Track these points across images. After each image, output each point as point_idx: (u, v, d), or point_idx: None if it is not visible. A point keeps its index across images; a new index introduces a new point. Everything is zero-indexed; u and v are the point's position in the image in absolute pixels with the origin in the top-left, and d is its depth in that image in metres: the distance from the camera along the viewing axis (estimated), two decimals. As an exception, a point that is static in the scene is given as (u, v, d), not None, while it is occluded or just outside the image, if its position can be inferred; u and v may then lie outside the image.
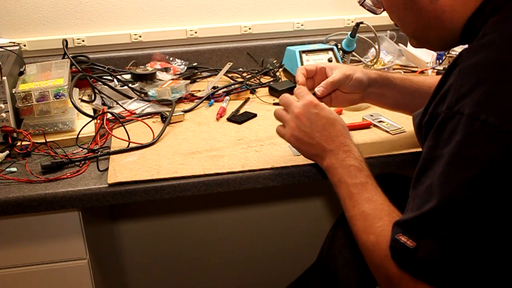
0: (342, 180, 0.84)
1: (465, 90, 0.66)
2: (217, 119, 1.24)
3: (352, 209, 0.81)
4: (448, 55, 1.50)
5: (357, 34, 1.48)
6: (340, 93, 1.03)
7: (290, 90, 1.39)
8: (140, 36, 1.55)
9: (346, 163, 0.85)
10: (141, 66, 1.45)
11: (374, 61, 1.54)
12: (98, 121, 1.14)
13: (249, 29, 1.61)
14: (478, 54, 0.68)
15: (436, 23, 0.80)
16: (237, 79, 1.48)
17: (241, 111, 1.28)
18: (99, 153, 1.05)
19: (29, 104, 1.10)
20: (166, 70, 1.47)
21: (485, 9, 0.75)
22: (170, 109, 1.24)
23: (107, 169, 1.00)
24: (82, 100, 1.29)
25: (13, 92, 1.09)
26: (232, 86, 1.41)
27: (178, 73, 1.48)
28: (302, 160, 1.00)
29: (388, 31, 1.63)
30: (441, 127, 0.68)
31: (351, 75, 1.00)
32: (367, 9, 0.98)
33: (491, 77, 0.65)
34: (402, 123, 1.16)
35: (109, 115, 1.17)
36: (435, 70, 1.50)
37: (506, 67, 0.65)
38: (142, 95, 1.32)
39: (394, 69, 1.56)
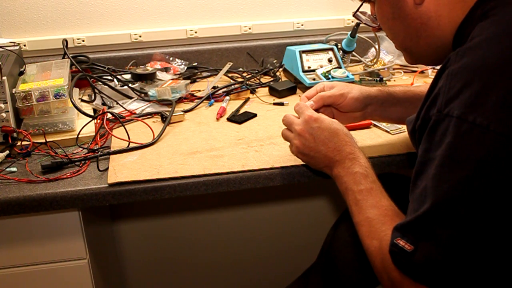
0: (348, 187, 0.85)
1: (453, 92, 0.67)
2: (217, 119, 1.24)
3: (358, 215, 0.82)
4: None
5: (357, 34, 1.48)
6: (339, 112, 1.03)
7: (290, 90, 1.40)
8: (140, 36, 1.55)
9: (352, 171, 0.85)
10: (141, 66, 1.45)
11: (374, 61, 1.54)
12: (98, 121, 1.14)
13: (249, 29, 1.61)
14: (465, 57, 0.69)
15: (423, 30, 0.82)
16: (237, 79, 1.48)
17: (241, 111, 1.28)
18: (99, 153, 1.05)
19: (29, 104, 1.10)
20: (166, 70, 1.47)
21: (474, 15, 0.76)
22: (170, 109, 1.24)
23: (107, 169, 1.00)
24: (82, 100, 1.29)
25: (13, 92, 1.09)
26: (232, 86, 1.41)
27: (178, 73, 1.48)
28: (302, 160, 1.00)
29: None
30: (432, 130, 0.69)
31: (345, 94, 1.00)
32: (363, 23, 0.98)
33: (478, 79, 0.66)
34: (402, 123, 1.16)
35: (109, 115, 1.17)
36: (435, 70, 1.50)
37: (492, 69, 0.66)
38: (142, 95, 1.32)
39: (394, 69, 1.56)
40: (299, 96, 1.11)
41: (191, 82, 1.45)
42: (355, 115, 1.04)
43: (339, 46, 1.51)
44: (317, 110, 0.98)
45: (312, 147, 0.90)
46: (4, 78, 1.06)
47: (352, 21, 1.65)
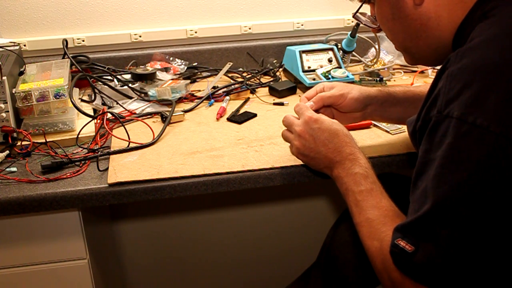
0: (348, 188, 0.85)
1: (453, 93, 0.67)
2: (217, 119, 1.24)
3: (358, 216, 0.82)
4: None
5: (357, 34, 1.48)
6: (339, 113, 1.03)
7: (290, 90, 1.39)
8: (140, 36, 1.55)
9: (352, 171, 0.85)
10: (141, 66, 1.45)
11: (374, 61, 1.54)
12: (98, 121, 1.14)
13: (249, 29, 1.61)
14: (465, 57, 0.69)
15: (423, 30, 0.82)
16: (237, 79, 1.48)
17: (241, 111, 1.28)
18: (99, 153, 1.05)
19: (29, 104, 1.10)
20: (166, 70, 1.47)
21: (474, 16, 0.76)
22: (170, 109, 1.24)
23: (107, 169, 1.00)
24: (82, 100, 1.29)
25: (13, 92, 1.09)
26: (232, 86, 1.41)
27: (178, 73, 1.48)
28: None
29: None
30: (433, 131, 0.69)
31: (345, 94, 1.00)
32: (363, 24, 0.98)
33: (478, 80, 0.66)
34: (402, 123, 1.16)
35: (109, 115, 1.17)
36: (435, 70, 1.50)
37: (491, 70, 0.66)
38: (142, 95, 1.32)
39: (394, 69, 1.56)
40: (299, 96, 1.11)
41: (191, 82, 1.45)
42: (355, 115, 1.04)
43: (339, 46, 1.51)
44: (317, 111, 0.98)
45: (312, 148, 0.90)
46: (4, 78, 1.06)
47: (352, 21, 1.65)
